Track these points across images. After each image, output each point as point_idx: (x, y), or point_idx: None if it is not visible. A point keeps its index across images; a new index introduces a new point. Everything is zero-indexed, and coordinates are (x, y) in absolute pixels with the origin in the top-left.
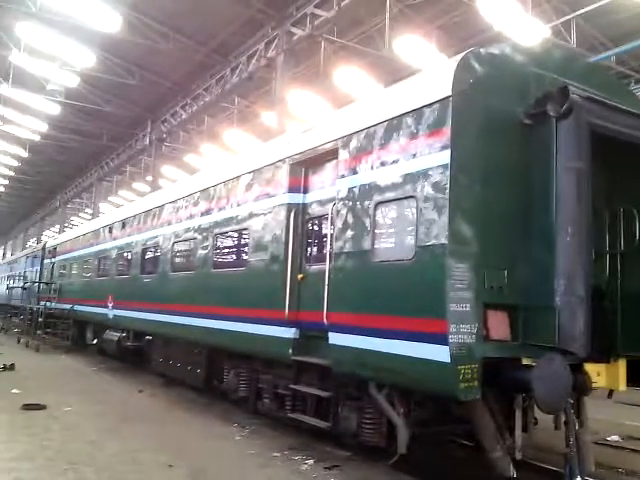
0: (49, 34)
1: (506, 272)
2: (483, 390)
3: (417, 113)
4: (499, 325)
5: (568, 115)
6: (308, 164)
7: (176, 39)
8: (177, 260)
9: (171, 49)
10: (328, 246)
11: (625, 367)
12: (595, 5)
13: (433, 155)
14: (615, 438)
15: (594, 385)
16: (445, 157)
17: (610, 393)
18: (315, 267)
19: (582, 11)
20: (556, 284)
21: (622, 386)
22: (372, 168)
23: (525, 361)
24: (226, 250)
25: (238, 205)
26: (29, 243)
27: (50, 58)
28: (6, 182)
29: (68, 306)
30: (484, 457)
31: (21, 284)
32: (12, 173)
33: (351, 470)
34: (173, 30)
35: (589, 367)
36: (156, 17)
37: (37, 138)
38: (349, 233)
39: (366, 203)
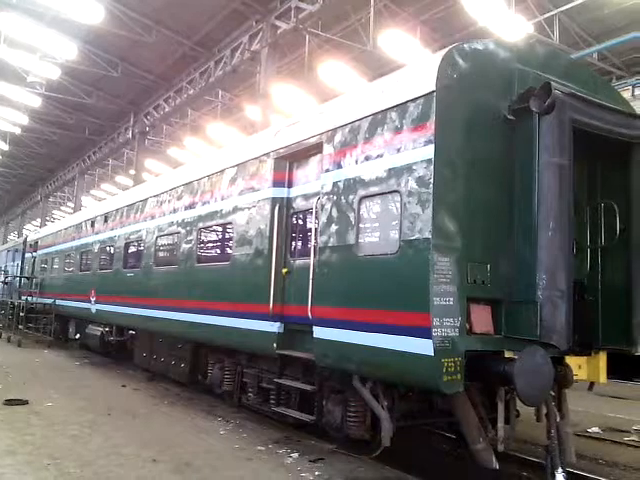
0: (29, 25)
1: (489, 266)
2: (466, 383)
3: (401, 108)
4: (482, 319)
5: (550, 111)
6: (293, 158)
7: (159, 31)
8: (160, 254)
9: (154, 42)
10: (313, 240)
11: (606, 360)
12: (578, 2)
13: (417, 150)
14: (596, 430)
15: (575, 378)
16: (429, 152)
17: (591, 385)
18: (300, 261)
19: (565, 7)
20: (538, 278)
21: (603, 379)
22: (356, 162)
23: (507, 354)
24: (210, 244)
25: (222, 199)
26: (10, 237)
27: (30, 49)
28: None
29: (50, 300)
30: (467, 449)
31: (2, 278)
32: None
33: (336, 462)
34: (156, 22)
35: (570, 360)
36: (139, 9)
37: (18, 131)
38: (334, 227)
39: (350, 197)
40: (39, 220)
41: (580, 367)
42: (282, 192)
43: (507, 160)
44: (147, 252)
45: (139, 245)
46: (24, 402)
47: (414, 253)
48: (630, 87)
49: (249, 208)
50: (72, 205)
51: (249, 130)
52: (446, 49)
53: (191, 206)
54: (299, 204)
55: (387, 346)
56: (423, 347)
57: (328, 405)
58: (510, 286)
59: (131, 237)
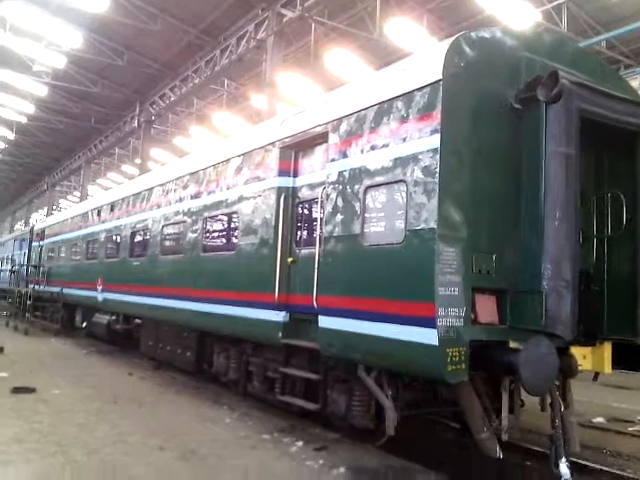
0: (35, 13)
1: (494, 256)
2: (470, 373)
3: (408, 97)
4: (487, 309)
5: (557, 100)
6: (298, 147)
7: (165, 20)
8: (167, 243)
9: (160, 30)
10: (318, 230)
11: (610, 350)
12: None
13: (423, 139)
14: (600, 420)
15: (580, 368)
16: (435, 141)
17: (596, 376)
18: (305, 251)
19: None
20: (544, 268)
21: (607, 369)
22: (362, 152)
23: (512, 344)
24: (216, 233)
25: (228, 188)
26: (17, 226)
27: (36, 38)
28: None
29: (57, 289)
30: (471, 438)
31: (9, 267)
32: None
33: (340, 451)
34: (162, 10)
35: (575, 350)
36: None
37: (24, 120)
38: (339, 217)
39: (356, 187)
40: (46, 209)
41: (585, 357)
42: (288, 181)
43: (514, 149)
44: (153, 241)
45: (145, 234)
46: (31, 390)
47: (419, 243)
48: (638, 76)
49: (255, 197)
50: (78, 194)
51: (255, 119)
52: (453, 37)
53: (197, 195)
54: (305, 193)
55: (392, 336)
56: (428, 337)
57: (333, 394)
58: (515, 276)
59: (137, 226)
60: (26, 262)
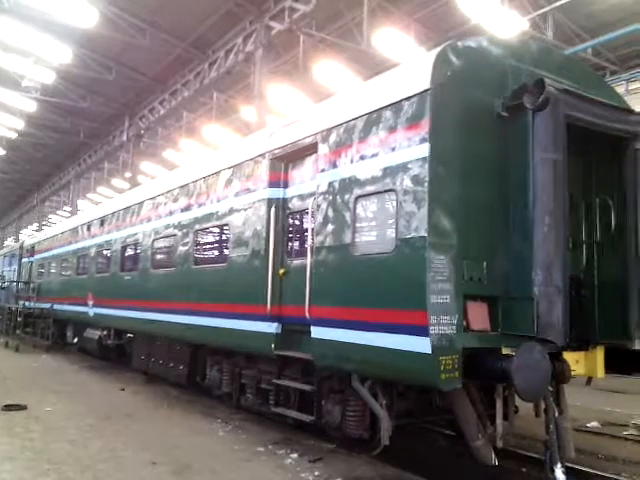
0: (23, 29)
1: (485, 263)
2: (464, 380)
3: (396, 106)
4: (479, 316)
5: (544, 107)
6: (288, 159)
7: (153, 34)
8: (157, 257)
9: (148, 44)
10: (309, 240)
11: (603, 355)
12: None
13: (412, 148)
14: (595, 424)
15: (573, 373)
16: (424, 150)
17: (589, 380)
18: (297, 261)
19: (558, 3)
20: (534, 274)
21: (600, 373)
22: (352, 162)
23: (505, 351)
24: (207, 246)
25: (218, 201)
26: (6, 242)
27: (25, 54)
28: None
29: (48, 305)
30: (466, 446)
31: None
32: None
33: (335, 462)
34: (150, 25)
35: (568, 355)
36: (133, 11)
37: (14, 136)
38: (330, 227)
39: (346, 197)
40: (36, 224)
41: (578, 362)
42: (278, 193)
43: (502, 157)
44: (144, 255)
45: (136, 248)
46: (23, 407)
47: (410, 251)
48: (624, 82)
49: (245, 209)
50: (68, 209)
51: (244, 131)
52: (440, 47)
53: (187, 208)
54: (295, 204)
55: (385, 345)
56: (421, 345)
57: (327, 405)
58: (506, 283)
59: (127, 240)
60: (16, 278)
